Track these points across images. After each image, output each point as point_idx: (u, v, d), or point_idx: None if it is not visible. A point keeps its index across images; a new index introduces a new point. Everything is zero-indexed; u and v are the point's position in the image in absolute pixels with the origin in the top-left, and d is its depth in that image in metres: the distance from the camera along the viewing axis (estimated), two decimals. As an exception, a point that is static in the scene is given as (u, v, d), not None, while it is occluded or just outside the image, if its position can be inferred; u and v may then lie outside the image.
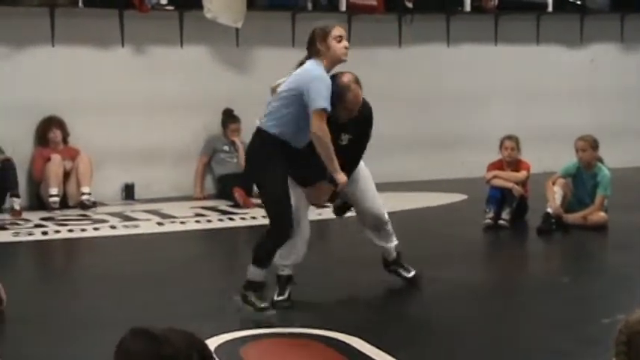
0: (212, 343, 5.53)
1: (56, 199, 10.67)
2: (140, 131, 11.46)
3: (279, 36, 12.04)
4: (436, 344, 5.79)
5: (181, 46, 11.69)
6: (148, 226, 9.88)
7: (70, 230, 9.65)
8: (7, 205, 10.51)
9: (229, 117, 11.58)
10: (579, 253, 9.09)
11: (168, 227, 9.82)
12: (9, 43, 10.93)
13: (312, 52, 6.30)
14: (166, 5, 11.46)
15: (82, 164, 10.91)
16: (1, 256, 8.54)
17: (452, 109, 13.02)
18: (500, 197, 9.63)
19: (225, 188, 11.18)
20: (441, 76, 12.98)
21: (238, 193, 10.74)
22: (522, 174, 9.80)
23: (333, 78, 6.30)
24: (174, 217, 10.31)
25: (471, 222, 9.75)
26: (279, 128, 6.10)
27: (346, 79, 6.37)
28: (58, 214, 10.46)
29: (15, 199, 10.43)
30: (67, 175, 10.88)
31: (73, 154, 10.97)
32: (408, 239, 9.17)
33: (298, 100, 6.07)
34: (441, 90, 12.94)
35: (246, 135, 9.59)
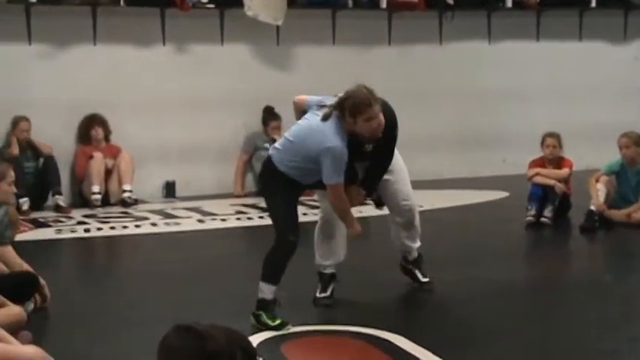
0: (253, 340, 5.52)
1: (98, 196, 10.73)
2: (181, 129, 11.50)
3: (319, 34, 12.04)
4: (479, 343, 5.75)
5: (222, 44, 11.71)
6: (188, 223, 9.91)
7: (112, 227, 9.71)
8: (49, 202, 10.60)
9: (270, 114, 11.59)
10: (623, 251, 9.00)
11: (209, 225, 9.85)
12: (51, 42, 11.00)
13: (339, 111, 5.97)
14: (207, 3, 11.49)
15: (123, 162, 10.97)
16: (44, 254, 8.61)
17: (493, 106, 12.94)
18: (542, 195, 9.56)
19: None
20: (482, 73, 12.90)
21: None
22: (564, 171, 9.72)
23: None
24: (214, 214, 10.33)
25: (512, 219, 9.69)
26: (288, 170, 6.07)
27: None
28: (99, 211, 10.53)
29: (58, 196, 10.52)
30: (108, 172, 10.94)
31: (114, 152, 11.04)
32: (448, 237, 9.16)
33: (305, 156, 5.96)
34: (482, 87, 12.87)
35: (286, 132, 9.58)
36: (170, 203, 11.13)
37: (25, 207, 10.21)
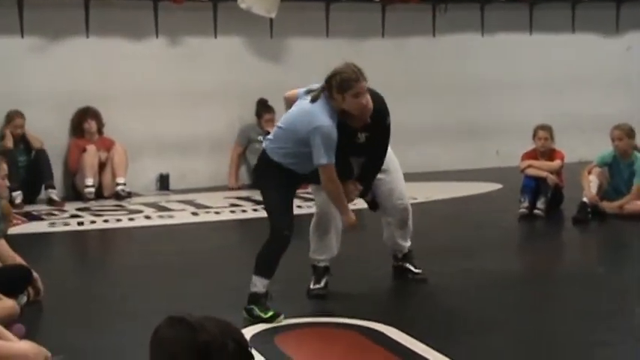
0: (247, 332, 5.55)
1: (91, 189, 10.74)
2: (175, 122, 11.50)
3: (312, 26, 12.04)
4: (472, 334, 5.76)
5: (215, 36, 11.71)
6: (182, 216, 9.92)
7: (106, 220, 9.71)
8: (42, 196, 10.60)
9: (264, 107, 11.59)
10: (615, 242, 9.03)
11: (203, 217, 9.86)
12: (44, 34, 11.00)
13: (327, 90, 5.97)
14: (200, -4, 11.49)
15: (117, 155, 10.97)
16: (38, 247, 8.61)
17: (486, 98, 12.96)
18: (534, 186, 9.58)
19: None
20: (476, 66, 12.91)
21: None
22: (556, 163, 9.74)
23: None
24: (208, 207, 10.34)
25: (505, 211, 9.71)
26: (282, 159, 6.04)
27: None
28: (93, 204, 10.54)
29: (51, 190, 10.52)
30: (102, 165, 10.95)
31: (108, 145, 11.03)
32: (442, 229, 9.18)
33: (296, 140, 5.95)
34: (475, 79, 12.88)
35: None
36: (164, 196, 11.14)
37: (18, 200, 10.22)
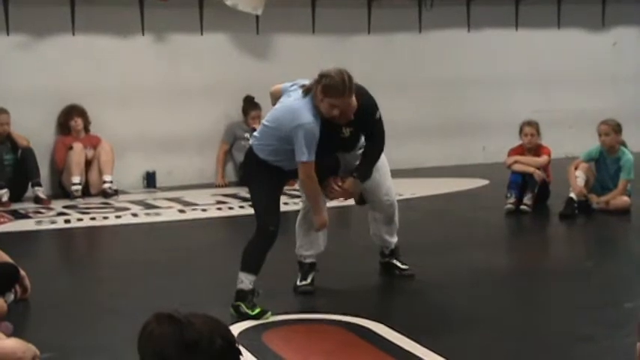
0: (235, 329, 5.55)
1: (78, 187, 10.71)
2: (161, 119, 11.49)
3: (299, 23, 12.04)
4: (459, 330, 5.78)
5: (201, 33, 11.70)
6: (169, 213, 9.91)
7: (93, 218, 9.70)
8: (29, 194, 10.57)
9: (250, 104, 11.59)
10: (602, 237, 9.06)
11: (190, 215, 9.85)
12: (30, 32, 10.97)
13: (315, 83, 6.02)
14: (186, -7, 11.48)
15: (103, 152, 10.95)
16: (25, 245, 8.59)
17: (473, 94, 12.98)
18: (521, 182, 9.60)
19: (246, 175, 11.19)
20: (462, 62, 12.93)
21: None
22: (543, 159, 9.77)
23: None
24: (195, 204, 10.34)
25: (492, 207, 9.73)
26: (268, 156, 6.07)
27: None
28: (80, 202, 10.52)
29: (38, 187, 10.50)
30: (88, 163, 10.92)
31: (94, 143, 11.01)
32: (429, 225, 9.20)
33: (280, 137, 5.98)
34: (461, 76, 12.90)
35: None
36: (151, 193, 11.13)
37: (5, 198, 10.21)
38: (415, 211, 9.40)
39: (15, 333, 5.29)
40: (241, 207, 10.00)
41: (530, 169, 9.65)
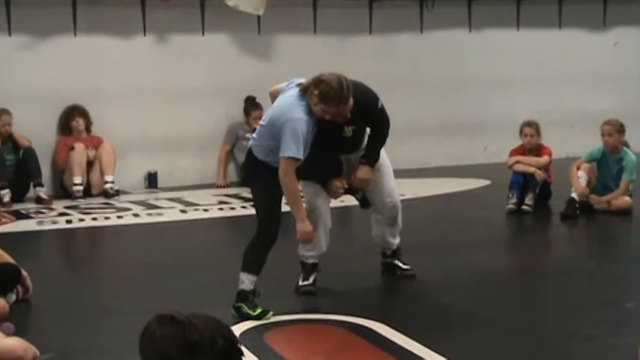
0: (237, 329, 5.54)
1: (80, 187, 10.72)
2: (163, 119, 11.49)
3: (300, 23, 12.04)
4: (460, 329, 5.78)
5: (203, 34, 11.70)
6: (171, 214, 9.91)
7: (94, 219, 9.70)
8: (31, 194, 10.58)
9: (251, 104, 11.59)
10: (603, 237, 9.06)
11: (192, 215, 9.85)
12: (31, 32, 10.97)
13: (311, 84, 5.98)
14: (188, -7, 11.49)
15: (105, 153, 10.96)
16: (26, 245, 8.59)
17: (474, 94, 12.98)
18: (523, 182, 9.60)
19: (248, 175, 11.19)
20: (463, 62, 12.94)
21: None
22: (544, 159, 9.77)
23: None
24: (197, 204, 10.34)
25: (494, 207, 9.73)
26: (266, 157, 6.06)
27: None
28: (81, 202, 10.53)
29: (39, 188, 10.51)
30: (90, 163, 10.93)
31: (96, 143, 11.02)
32: (430, 225, 9.20)
33: (273, 135, 5.97)
34: (463, 76, 12.90)
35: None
36: (152, 194, 11.13)
37: (7, 199, 10.22)
38: (416, 211, 9.40)
39: (17, 333, 5.28)
40: (243, 207, 10.00)
41: (532, 170, 9.65)
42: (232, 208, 10.14)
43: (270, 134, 6.01)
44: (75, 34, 11.11)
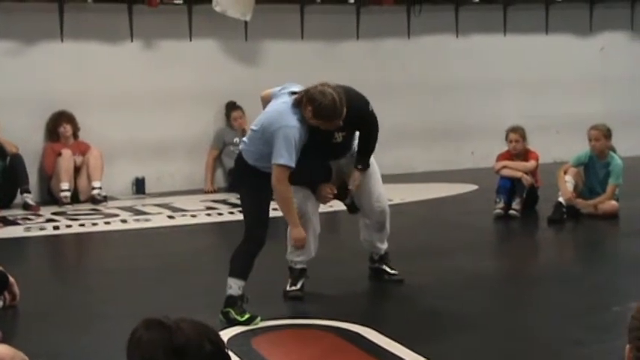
0: (224, 334, 5.55)
1: (67, 193, 10.70)
2: (150, 125, 11.48)
3: (287, 29, 12.05)
4: (448, 334, 5.79)
5: (190, 39, 11.70)
6: (158, 219, 9.90)
7: (82, 225, 9.68)
8: (18, 200, 10.55)
9: (231, 107, 11.62)
10: (590, 241, 9.08)
11: (179, 221, 9.84)
12: (18, 38, 10.95)
13: (305, 98, 5.98)
14: (175, -1, 11.48)
15: (92, 159, 10.94)
16: (14, 252, 8.57)
17: (461, 99, 13.00)
18: (510, 187, 9.62)
19: (236, 181, 11.19)
20: (450, 67, 12.96)
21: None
22: (531, 164, 9.79)
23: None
24: (184, 210, 10.33)
25: (481, 212, 9.75)
26: (256, 162, 6.07)
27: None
28: (69, 208, 10.50)
29: (27, 194, 10.48)
30: (77, 169, 10.91)
31: (83, 149, 11.00)
32: (418, 230, 9.21)
33: (265, 140, 5.98)
34: (449, 81, 12.93)
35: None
36: (140, 200, 11.12)
37: (-6, 205, 10.18)
38: (404, 216, 9.40)
39: (4, 340, 5.27)
40: (231, 213, 10.00)
41: (519, 174, 9.67)
42: (220, 214, 10.14)
43: (262, 140, 6.01)
44: (62, 40, 11.09)
